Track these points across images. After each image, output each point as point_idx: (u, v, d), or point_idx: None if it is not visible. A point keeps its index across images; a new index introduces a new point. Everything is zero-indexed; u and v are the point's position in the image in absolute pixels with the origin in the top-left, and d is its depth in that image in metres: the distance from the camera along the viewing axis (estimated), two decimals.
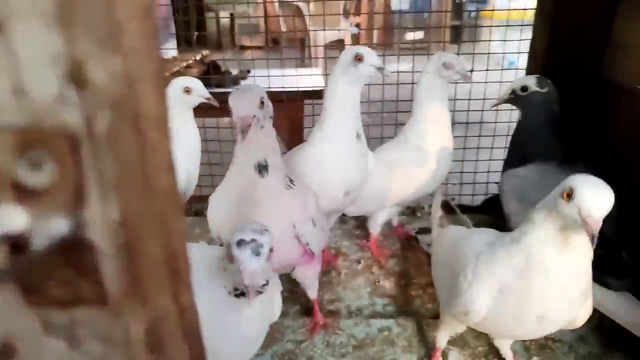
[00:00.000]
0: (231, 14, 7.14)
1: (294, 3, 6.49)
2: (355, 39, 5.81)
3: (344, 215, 1.90)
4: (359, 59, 1.44)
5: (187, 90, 1.63)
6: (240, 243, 0.88)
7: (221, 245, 1.33)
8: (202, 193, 2.35)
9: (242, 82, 2.62)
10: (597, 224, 0.86)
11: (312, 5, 6.52)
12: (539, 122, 1.56)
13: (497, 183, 1.92)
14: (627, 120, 1.64)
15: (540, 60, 1.83)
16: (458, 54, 1.71)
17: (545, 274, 0.98)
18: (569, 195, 0.90)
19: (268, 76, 2.22)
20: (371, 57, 1.45)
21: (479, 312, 1.07)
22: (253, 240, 0.88)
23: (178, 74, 2.87)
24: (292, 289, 1.68)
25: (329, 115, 1.51)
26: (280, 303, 1.16)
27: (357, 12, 7.65)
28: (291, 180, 1.26)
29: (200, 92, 1.66)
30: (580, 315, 1.09)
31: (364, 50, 1.46)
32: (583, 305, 1.07)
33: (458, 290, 1.11)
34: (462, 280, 1.10)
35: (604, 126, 1.76)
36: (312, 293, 1.52)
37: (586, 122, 1.80)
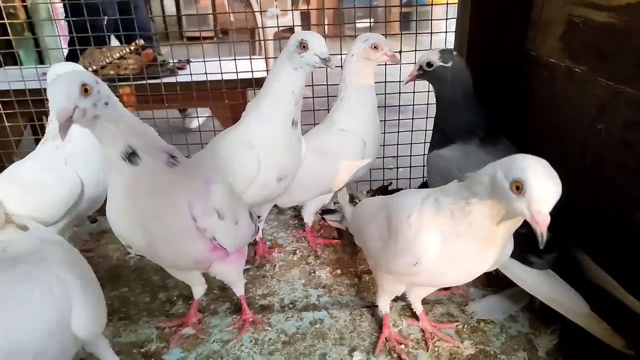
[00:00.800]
0: (176, 2, 6.91)
1: None
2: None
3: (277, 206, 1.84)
4: (303, 46, 1.37)
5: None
6: None
7: (130, 248, 1.22)
8: None
9: (180, 73, 2.51)
10: (546, 220, 0.85)
11: None
12: (451, 97, 1.53)
13: None
14: (546, 94, 1.65)
15: (466, 37, 1.81)
16: (385, 35, 1.66)
17: (482, 240, 1.03)
18: (518, 188, 0.86)
19: (204, 63, 2.12)
20: (317, 46, 1.36)
21: (428, 258, 1.07)
22: None
23: (111, 65, 2.73)
24: (223, 286, 1.60)
25: (267, 96, 1.46)
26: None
27: (307, 2, 7.56)
28: (173, 157, 1.10)
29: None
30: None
31: (310, 37, 1.37)
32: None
33: (404, 242, 1.10)
34: (406, 231, 1.10)
35: (525, 101, 1.77)
36: (238, 289, 1.45)
37: (509, 98, 1.81)
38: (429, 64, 1.53)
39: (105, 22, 2.46)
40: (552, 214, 1.32)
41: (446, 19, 1.99)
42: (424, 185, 2.21)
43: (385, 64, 1.74)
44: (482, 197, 0.98)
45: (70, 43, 2.68)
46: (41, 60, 3.66)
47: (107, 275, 1.74)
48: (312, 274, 1.73)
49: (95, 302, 1.05)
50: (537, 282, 1.30)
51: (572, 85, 1.49)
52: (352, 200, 2.17)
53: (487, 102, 1.58)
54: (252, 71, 2.14)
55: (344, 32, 2.17)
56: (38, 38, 3.62)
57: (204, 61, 2.11)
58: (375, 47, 1.61)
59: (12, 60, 2.34)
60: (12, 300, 0.88)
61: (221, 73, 2.13)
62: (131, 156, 1.02)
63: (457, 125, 1.53)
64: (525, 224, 0.91)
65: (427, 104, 2.06)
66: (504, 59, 1.81)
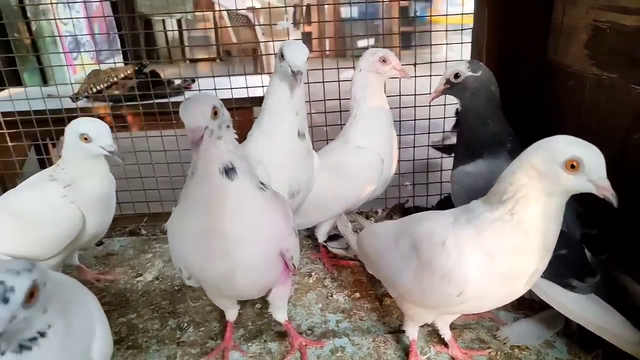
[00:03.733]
0: (178, 22, 6.92)
1: (242, 14, 6.38)
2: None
3: None
4: (282, 55, 1.31)
5: (86, 138, 1.37)
6: None
7: (188, 279, 1.18)
8: (137, 211, 2.17)
9: (186, 93, 2.45)
10: (608, 183, 0.89)
11: (261, 15, 6.42)
12: (478, 108, 1.46)
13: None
14: (572, 104, 1.58)
15: (483, 46, 1.75)
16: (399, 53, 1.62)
17: (541, 245, 0.97)
18: (574, 167, 0.89)
19: (214, 88, 2.07)
20: (291, 56, 1.29)
21: (475, 284, 1.00)
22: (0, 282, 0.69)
23: (116, 85, 2.68)
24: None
25: (265, 110, 1.43)
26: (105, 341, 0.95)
27: (308, 21, 7.62)
28: (262, 183, 1.11)
29: (103, 142, 1.39)
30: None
31: (286, 46, 1.31)
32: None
33: (443, 271, 1.02)
34: (444, 259, 1.02)
35: (550, 112, 1.71)
36: (283, 315, 1.38)
37: (530, 109, 1.74)
38: (457, 75, 1.46)
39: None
40: (593, 235, 1.25)
41: (461, 30, 1.93)
42: (442, 202, 2.13)
43: (400, 79, 1.68)
44: (525, 198, 0.94)
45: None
46: (44, 80, 3.64)
47: (115, 300, 1.65)
48: (329, 297, 1.63)
49: (107, 330, 0.98)
50: (579, 307, 1.19)
51: (602, 93, 1.42)
52: (368, 218, 2.09)
53: (510, 114, 1.51)
54: (262, 86, 2.08)
55: (347, 53, 2.14)
56: (41, 57, 3.59)
57: (213, 76, 2.06)
58: (383, 60, 1.56)
59: (16, 81, 2.29)
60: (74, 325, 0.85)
61: (231, 89, 2.07)
62: (230, 171, 1.01)
63: (483, 137, 1.45)
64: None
65: (444, 117, 2.00)
66: (525, 69, 1.75)
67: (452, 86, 1.49)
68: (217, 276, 1.12)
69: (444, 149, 2.34)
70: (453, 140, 1.86)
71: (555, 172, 0.90)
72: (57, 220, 1.41)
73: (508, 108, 1.53)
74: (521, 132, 1.51)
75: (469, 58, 1.94)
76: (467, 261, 0.99)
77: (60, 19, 2.76)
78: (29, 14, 3.73)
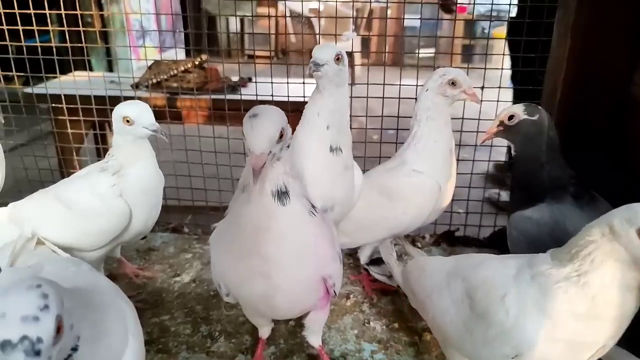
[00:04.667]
0: (241, 20, 7.01)
1: (306, 17, 6.38)
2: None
3: None
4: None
5: (128, 121, 1.38)
6: (4, 346, 0.60)
7: (227, 295, 1.15)
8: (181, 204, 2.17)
9: (242, 90, 2.44)
10: None
11: (322, 20, 6.40)
12: (534, 154, 1.35)
13: (507, 215, 1.70)
14: None
15: (562, 75, 1.62)
16: (467, 72, 1.52)
17: (611, 316, 0.87)
18: None
19: (271, 83, 2.01)
20: (315, 51, 1.22)
21: (534, 351, 0.90)
22: (24, 337, 0.61)
23: (175, 78, 2.72)
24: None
25: (301, 121, 1.35)
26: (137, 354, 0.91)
27: (368, 29, 7.52)
28: (313, 207, 1.06)
29: (145, 122, 1.39)
30: None
31: (317, 51, 1.23)
32: None
33: (500, 329, 0.94)
34: (502, 315, 0.94)
35: (630, 153, 1.55)
36: (317, 339, 1.32)
37: (609, 144, 1.60)
38: (511, 117, 1.36)
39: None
40: None
41: (537, 55, 1.80)
42: (495, 236, 2.01)
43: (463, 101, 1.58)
44: (593, 258, 0.86)
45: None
46: (110, 68, 3.75)
47: (151, 299, 1.65)
48: (366, 324, 1.56)
49: (141, 343, 0.95)
50: None
51: None
52: (414, 243, 1.99)
53: (584, 148, 1.39)
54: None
55: (405, 62, 2.05)
56: (110, 47, 3.71)
57: (271, 81, 2.02)
58: (453, 83, 1.45)
59: (82, 65, 2.35)
60: (103, 332, 0.83)
61: (288, 96, 2.02)
62: (282, 195, 0.96)
63: (541, 182, 1.34)
64: None
65: (508, 146, 1.87)
66: (605, 103, 1.61)
67: (506, 129, 1.39)
68: (255, 297, 1.09)
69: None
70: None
71: (628, 234, 0.82)
72: (105, 214, 1.42)
73: (583, 142, 1.42)
74: (593, 170, 1.39)
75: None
76: (527, 323, 0.90)
77: (130, 13, 2.82)
78: (102, 1, 3.87)
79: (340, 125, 1.32)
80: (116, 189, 1.43)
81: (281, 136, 0.90)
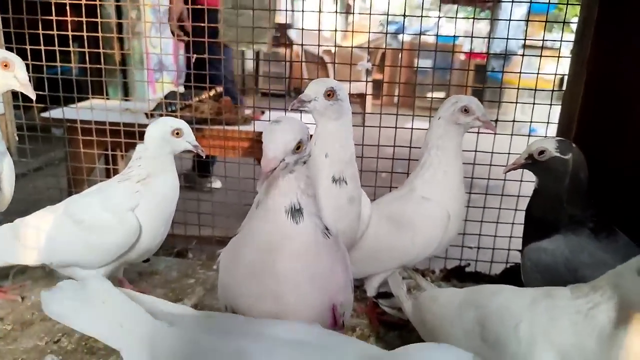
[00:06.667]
0: (256, 54, 7.21)
1: (319, 54, 6.54)
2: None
3: None
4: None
5: (178, 133, 1.45)
6: None
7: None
8: (188, 233, 2.16)
9: (256, 123, 2.47)
10: None
11: (336, 58, 6.53)
12: (559, 193, 1.31)
13: (519, 251, 1.65)
14: None
15: (576, 112, 1.61)
16: None
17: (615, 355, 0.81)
18: None
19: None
20: (309, 86, 1.25)
21: None
22: None
23: (190, 108, 2.77)
24: None
25: None
26: None
27: (382, 72, 7.68)
28: (327, 229, 1.04)
29: (190, 138, 1.49)
30: None
31: (308, 87, 1.27)
32: None
33: (509, 357, 0.90)
34: (514, 345, 0.90)
35: None
36: None
37: (631, 186, 1.56)
38: (542, 152, 1.33)
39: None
40: None
41: (552, 91, 1.81)
42: (507, 273, 1.95)
43: (478, 133, 1.58)
44: (606, 296, 0.82)
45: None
46: (126, 94, 3.84)
47: None
48: None
49: None
50: None
51: None
52: (424, 276, 1.93)
53: (603, 189, 1.35)
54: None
55: (417, 104, 2.07)
56: (127, 73, 3.81)
57: (284, 109, 2.04)
58: (466, 110, 1.45)
59: (100, 90, 2.40)
60: None
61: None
62: (295, 213, 0.95)
63: (559, 219, 1.30)
64: None
65: (520, 180, 1.85)
66: (625, 141, 1.58)
67: (534, 163, 1.35)
68: (259, 314, 1.04)
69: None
70: None
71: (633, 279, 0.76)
72: (115, 228, 1.42)
73: (601, 182, 1.38)
74: (614, 215, 1.35)
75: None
76: (539, 353, 0.86)
77: (149, 37, 2.90)
78: (123, 32, 4.00)
79: (341, 155, 1.30)
80: (136, 196, 1.44)
81: (298, 147, 0.89)
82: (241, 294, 1.04)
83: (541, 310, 0.90)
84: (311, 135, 1.02)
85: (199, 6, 2.34)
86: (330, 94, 1.24)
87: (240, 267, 1.02)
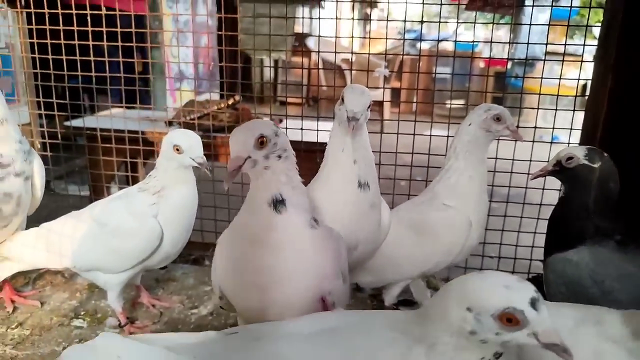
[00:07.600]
0: (275, 62, 7.27)
1: (337, 64, 6.56)
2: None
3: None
4: (342, 98, 1.23)
5: (177, 149, 1.40)
6: None
7: (220, 298, 1.15)
8: (205, 240, 2.16)
9: None
10: None
11: (354, 66, 6.55)
12: (586, 202, 1.27)
13: (541, 261, 1.61)
14: None
15: (601, 118, 1.57)
16: None
17: None
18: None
19: (301, 129, 2.04)
20: (349, 100, 1.20)
21: None
22: None
23: (208, 116, 2.79)
24: None
25: (326, 158, 1.35)
26: None
27: (399, 80, 7.66)
28: (315, 220, 1.06)
29: (193, 154, 1.40)
30: None
31: (348, 90, 1.23)
32: None
33: None
34: None
35: None
36: None
37: None
38: (570, 159, 1.30)
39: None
40: None
41: (575, 96, 1.77)
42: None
43: (498, 140, 1.54)
44: None
45: None
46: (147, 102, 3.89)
47: (166, 329, 1.60)
48: None
49: None
50: None
51: None
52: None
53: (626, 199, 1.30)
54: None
55: (435, 112, 2.05)
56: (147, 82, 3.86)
57: (301, 116, 2.04)
58: (498, 118, 1.43)
59: (120, 101, 2.43)
60: None
61: (317, 131, 2.02)
62: (278, 204, 0.99)
63: (585, 230, 1.26)
64: None
65: (543, 189, 1.81)
66: None
67: (562, 170, 1.32)
68: (249, 309, 1.09)
69: None
70: None
71: None
72: (137, 232, 1.43)
73: (626, 192, 1.33)
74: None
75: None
76: None
77: (169, 45, 2.93)
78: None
79: (366, 159, 1.30)
80: (154, 207, 1.44)
81: (262, 143, 0.94)
82: (229, 282, 1.09)
83: (589, 339, 0.85)
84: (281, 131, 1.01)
85: None
86: (370, 105, 1.24)
87: (226, 258, 1.08)
